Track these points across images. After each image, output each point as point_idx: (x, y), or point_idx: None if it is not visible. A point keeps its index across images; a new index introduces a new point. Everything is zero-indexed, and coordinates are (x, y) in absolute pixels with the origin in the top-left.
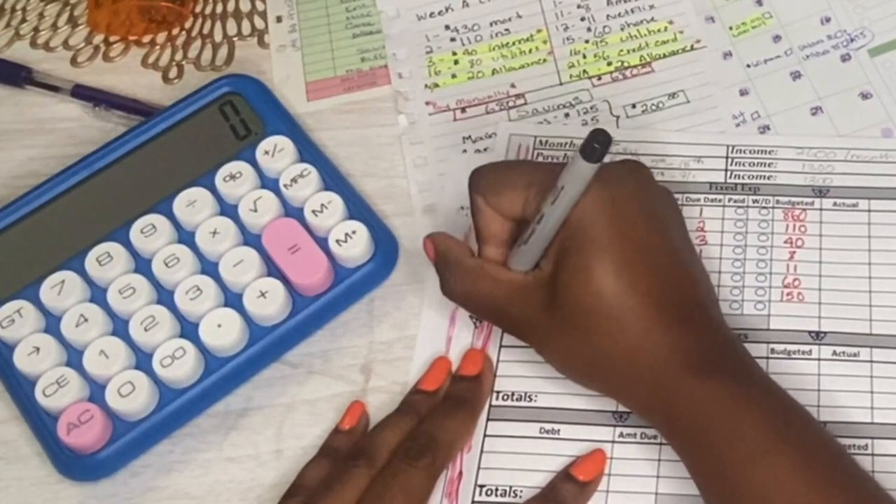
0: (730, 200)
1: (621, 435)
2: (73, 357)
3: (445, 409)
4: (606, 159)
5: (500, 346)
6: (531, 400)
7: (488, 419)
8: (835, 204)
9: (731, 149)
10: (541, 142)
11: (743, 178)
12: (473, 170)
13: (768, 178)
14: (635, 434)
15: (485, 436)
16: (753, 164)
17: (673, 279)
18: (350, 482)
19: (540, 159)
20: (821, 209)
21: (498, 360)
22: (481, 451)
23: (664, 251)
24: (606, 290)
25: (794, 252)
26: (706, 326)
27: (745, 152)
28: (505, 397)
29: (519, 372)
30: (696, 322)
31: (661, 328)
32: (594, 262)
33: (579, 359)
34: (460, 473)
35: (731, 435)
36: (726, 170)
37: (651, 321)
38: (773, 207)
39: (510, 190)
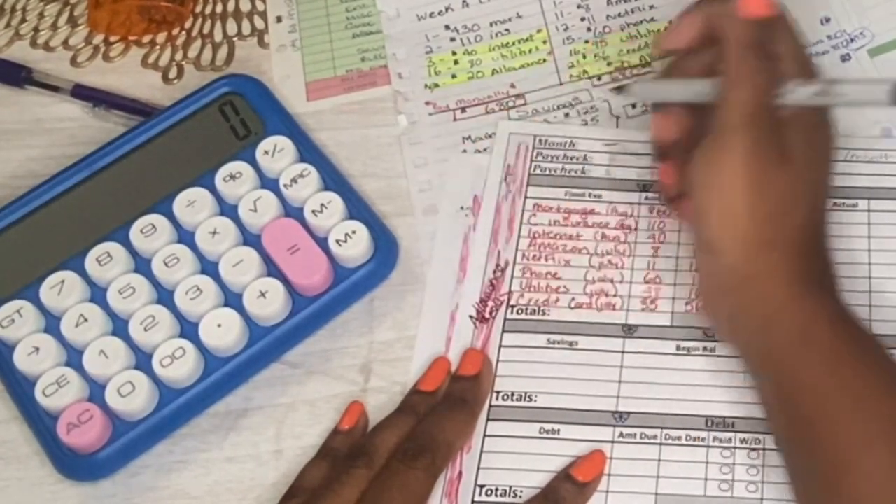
0: None
1: (621, 435)
2: (73, 357)
3: (445, 409)
4: (600, 168)
5: (500, 346)
6: (531, 400)
7: (488, 419)
8: (834, 204)
9: None
10: (540, 141)
11: None
12: None
13: None
14: (635, 434)
15: (484, 436)
16: None
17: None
18: (350, 482)
19: (540, 158)
20: None
21: (497, 360)
22: (481, 451)
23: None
24: (818, 191)
25: None
26: (822, 254)
27: None
28: (504, 397)
29: (519, 372)
30: (817, 250)
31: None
32: (824, 157)
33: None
34: (460, 473)
35: (829, 346)
36: None
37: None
38: None
39: (787, 38)
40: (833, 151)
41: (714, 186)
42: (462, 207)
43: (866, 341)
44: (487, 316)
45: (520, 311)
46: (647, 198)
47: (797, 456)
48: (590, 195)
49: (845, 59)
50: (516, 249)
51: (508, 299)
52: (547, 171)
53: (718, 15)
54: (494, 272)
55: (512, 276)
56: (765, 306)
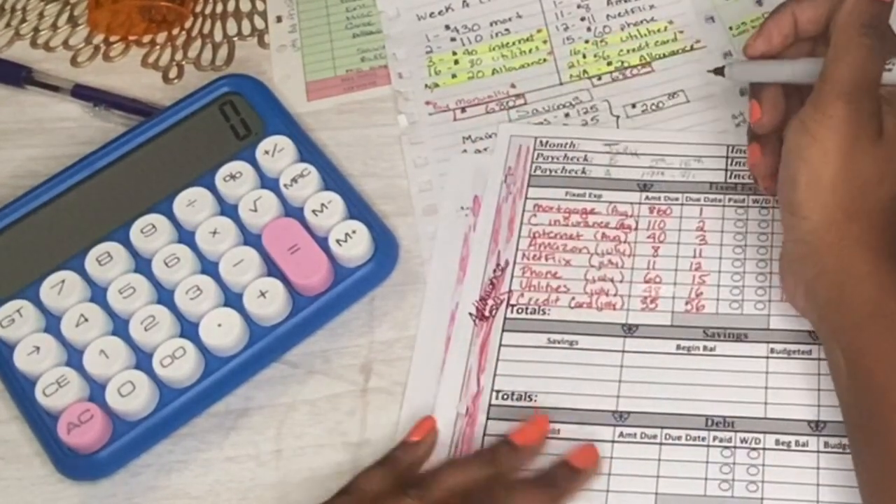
0: (730, 200)
1: (621, 435)
2: (73, 357)
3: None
4: (600, 168)
5: (500, 346)
6: (531, 399)
7: (488, 418)
8: None
9: (731, 149)
10: (541, 142)
11: (743, 177)
12: None
13: None
14: (635, 434)
15: (484, 434)
16: None
17: None
18: None
19: (541, 160)
20: None
21: (497, 359)
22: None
23: None
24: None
25: None
26: None
27: (745, 152)
28: (504, 397)
29: (519, 371)
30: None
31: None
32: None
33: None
34: None
35: None
36: (726, 170)
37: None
38: (773, 207)
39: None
40: None
41: (806, 155)
42: (462, 207)
43: None
44: (487, 314)
45: (520, 311)
46: (647, 198)
47: (864, 437)
48: (590, 195)
49: None
50: (516, 249)
51: (509, 298)
52: (547, 172)
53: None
54: (494, 271)
55: (512, 276)
56: (842, 275)
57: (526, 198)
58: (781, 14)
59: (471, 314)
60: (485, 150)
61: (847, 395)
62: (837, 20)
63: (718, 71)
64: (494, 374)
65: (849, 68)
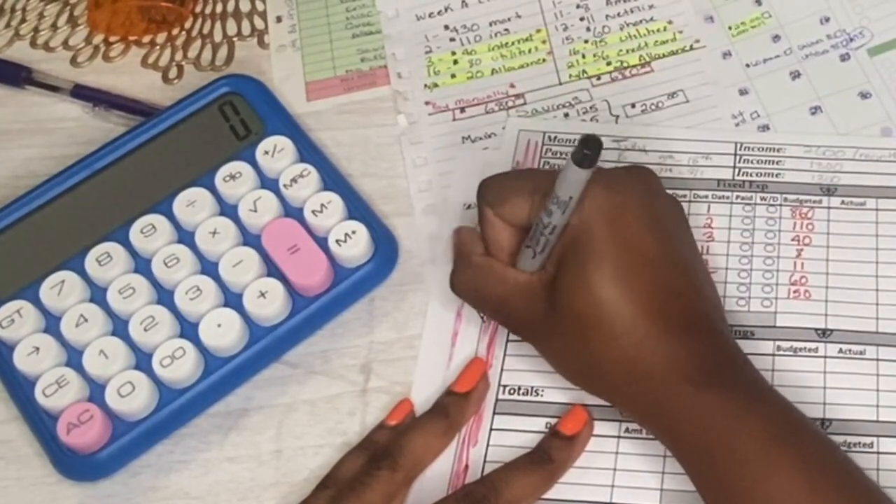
0: (737, 198)
1: (627, 430)
2: (73, 357)
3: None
4: (608, 165)
5: (507, 341)
6: (537, 395)
7: (494, 413)
8: (842, 202)
9: (739, 146)
10: (549, 138)
11: (751, 175)
12: (480, 182)
13: (776, 175)
14: (641, 430)
15: (491, 429)
16: (761, 161)
17: (675, 289)
18: (372, 484)
19: (549, 155)
20: (828, 207)
21: (504, 355)
22: (487, 445)
23: (667, 261)
24: (602, 296)
25: (801, 250)
26: (708, 338)
27: (753, 150)
28: (511, 391)
29: (525, 367)
30: (697, 333)
31: (659, 338)
32: (591, 268)
33: (575, 362)
34: (466, 466)
35: (731, 448)
36: (734, 167)
37: (648, 331)
38: (781, 205)
39: (515, 197)
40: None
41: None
42: (468, 205)
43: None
44: None
45: None
46: None
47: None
48: None
49: (844, 58)
50: None
51: None
52: (556, 167)
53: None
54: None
55: None
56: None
57: None
58: (491, 224)
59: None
60: (485, 149)
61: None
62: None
63: None
64: (501, 370)
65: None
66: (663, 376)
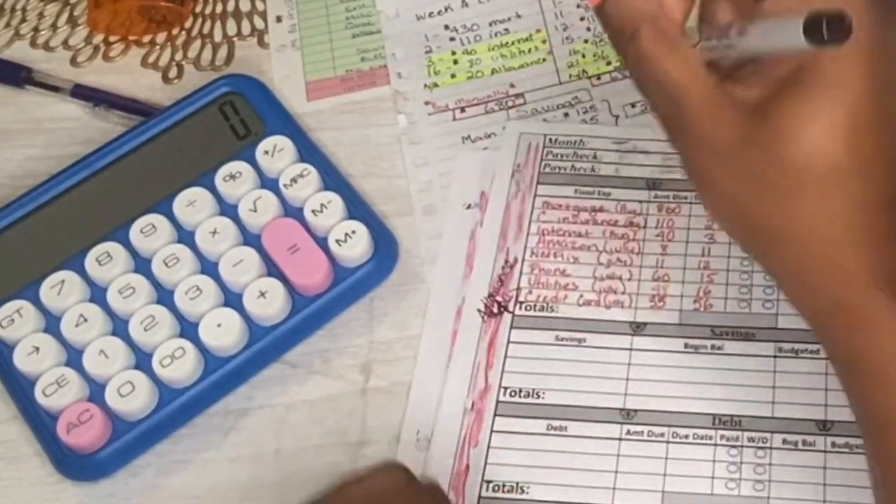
0: None
1: (628, 432)
2: (73, 357)
3: None
4: (608, 165)
5: (508, 342)
6: (539, 396)
7: (495, 415)
8: None
9: None
10: (550, 140)
11: None
12: None
13: None
14: (643, 432)
15: (492, 431)
16: None
17: None
18: None
19: (550, 157)
20: None
21: (506, 356)
22: (488, 447)
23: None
24: (840, 158)
25: None
26: None
27: None
28: (512, 393)
29: (526, 368)
30: None
31: (873, 226)
32: (840, 116)
33: (761, 223)
34: (467, 467)
35: None
36: None
37: (867, 215)
38: None
39: None
40: None
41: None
42: (468, 205)
43: None
44: (496, 311)
45: (528, 308)
46: (655, 196)
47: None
48: (599, 193)
49: None
50: (525, 246)
51: (517, 296)
52: (557, 170)
53: None
54: (503, 268)
55: (521, 273)
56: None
57: (535, 195)
58: None
59: (479, 311)
60: (485, 149)
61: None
62: None
63: None
64: (502, 371)
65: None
66: (864, 275)
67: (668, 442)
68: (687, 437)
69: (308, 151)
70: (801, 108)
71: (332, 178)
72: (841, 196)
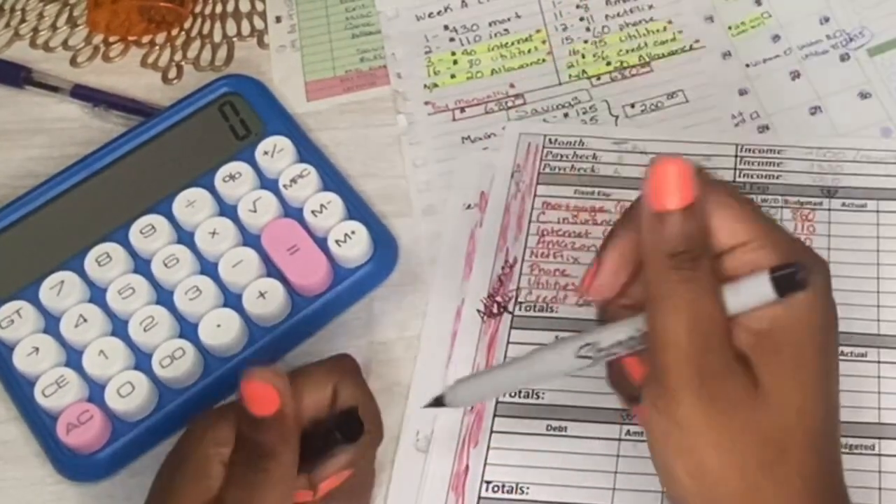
0: None
1: (628, 433)
2: (73, 357)
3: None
4: (608, 165)
5: (508, 343)
6: (538, 397)
7: (495, 415)
8: (843, 204)
9: (739, 148)
10: (550, 140)
11: (752, 177)
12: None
13: (777, 177)
14: (642, 432)
15: (492, 432)
16: (762, 163)
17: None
18: None
19: (549, 158)
20: (829, 209)
21: (505, 356)
22: (488, 447)
23: (835, 389)
24: (814, 409)
25: None
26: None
27: (754, 151)
28: (512, 394)
29: None
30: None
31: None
32: (816, 372)
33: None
34: (467, 467)
35: None
36: (735, 168)
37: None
38: (782, 207)
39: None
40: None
41: (675, 446)
42: (468, 206)
43: None
44: (496, 311)
45: (528, 308)
46: None
47: None
48: (598, 193)
49: (844, 58)
50: (525, 247)
51: (517, 296)
52: (557, 170)
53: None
54: (503, 269)
55: (520, 273)
56: None
57: (535, 195)
58: (613, 243)
59: (479, 311)
60: (485, 149)
61: None
62: (642, 255)
63: (438, 402)
64: None
65: (676, 320)
66: None
67: None
68: None
69: (308, 152)
70: (782, 367)
71: (332, 179)
72: (826, 441)
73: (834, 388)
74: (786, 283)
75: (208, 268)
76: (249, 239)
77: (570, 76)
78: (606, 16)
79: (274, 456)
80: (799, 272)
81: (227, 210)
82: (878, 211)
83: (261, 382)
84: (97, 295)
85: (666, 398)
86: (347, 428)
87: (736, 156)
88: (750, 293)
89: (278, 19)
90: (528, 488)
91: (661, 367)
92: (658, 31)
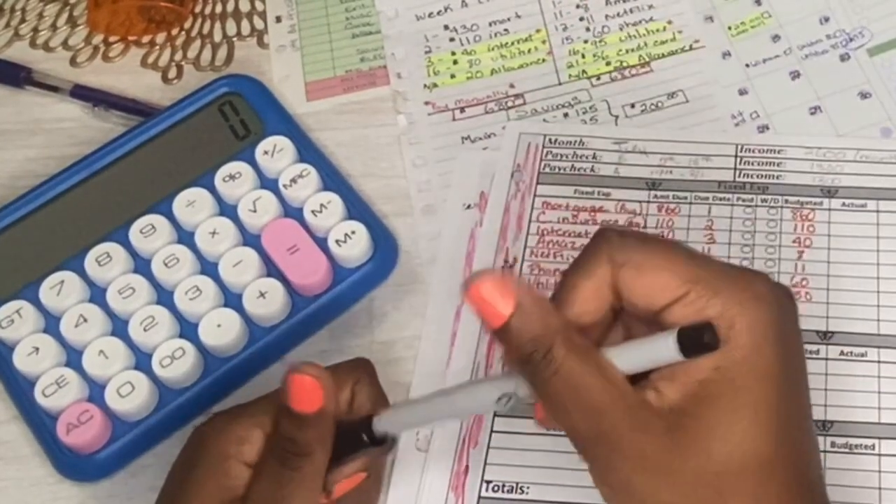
0: (738, 199)
1: None
2: (73, 357)
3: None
4: (608, 165)
5: None
6: None
7: (495, 415)
8: (843, 204)
9: (740, 148)
10: (550, 140)
11: (752, 177)
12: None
13: (777, 177)
14: None
15: (492, 432)
16: (762, 163)
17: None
18: None
19: (549, 158)
20: (829, 209)
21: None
22: (488, 447)
23: (807, 417)
24: (759, 456)
25: (802, 252)
26: None
27: (754, 151)
28: None
29: None
30: None
31: None
32: (761, 412)
33: None
34: (467, 467)
35: None
36: (735, 168)
37: (800, 498)
38: (782, 207)
39: (664, 272)
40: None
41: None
42: (468, 206)
43: None
44: None
45: None
46: (655, 196)
47: None
48: (598, 193)
49: (844, 58)
50: (525, 246)
51: None
52: (557, 170)
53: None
54: (502, 268)
55: (520, 273)
56: None
57: (535, 195)
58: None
59: None
60: (485, 149)
61: None
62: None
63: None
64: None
65: (563, 411)
66: None
67: None
68: None
69: (308, 152)
70: (721, 415)
71: (332, 179)
72: (775, 486)
73: (797, 424)
74: (692, 344)
75: (208, 268)
76: (249, 239)
77: (570, 76)
78: (606, 16)
79: (308, 455)
80: (706, 334)
81: (227, 210)
82: (878, 211)
83: (308, 377)
84: (97, 295)
85: (593, 472)
86: (372, 431)
87: (736, 156)
88: (656, 351)
89: (278, 19)
90: (528, 488)
91: (579, 447)
92: (658, 30)
